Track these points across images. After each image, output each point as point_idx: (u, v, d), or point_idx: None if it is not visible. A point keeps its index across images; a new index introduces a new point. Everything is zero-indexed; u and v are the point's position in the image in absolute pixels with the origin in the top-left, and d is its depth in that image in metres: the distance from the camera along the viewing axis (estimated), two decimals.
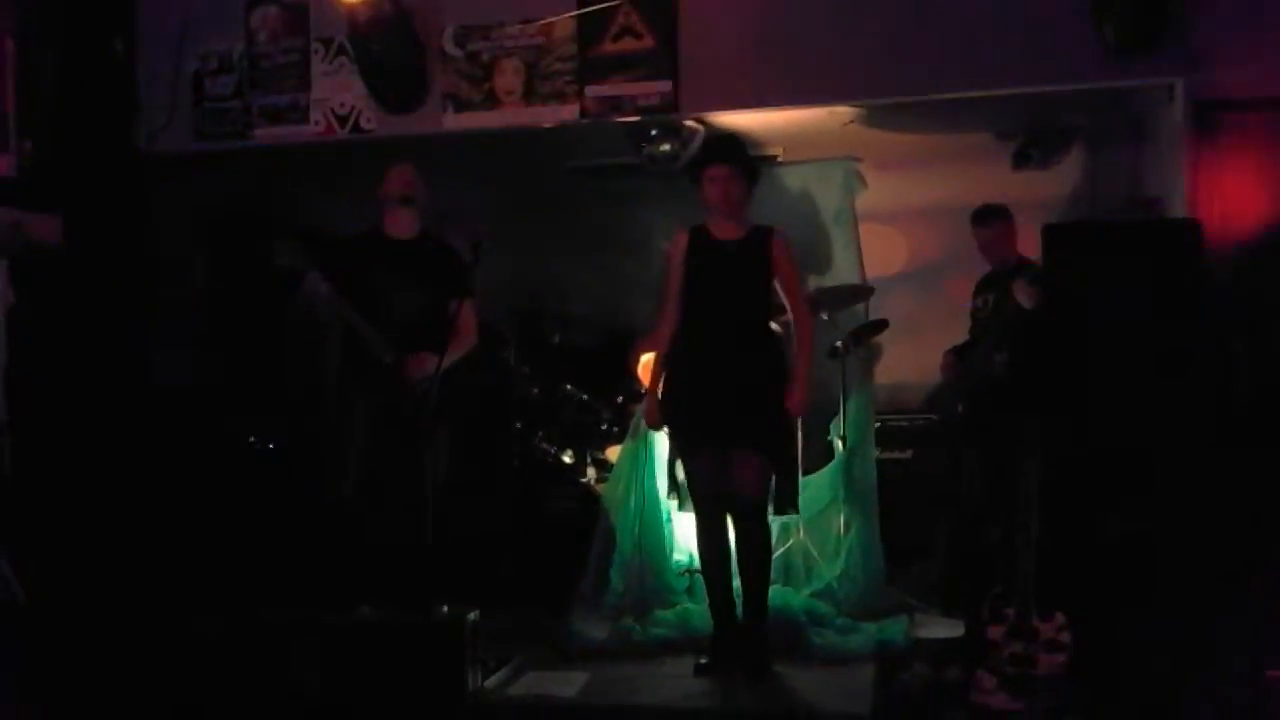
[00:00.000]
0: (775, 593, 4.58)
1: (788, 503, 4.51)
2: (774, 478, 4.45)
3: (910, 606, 5.02)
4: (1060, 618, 3.77)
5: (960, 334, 5.43)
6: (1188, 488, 3.91)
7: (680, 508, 4.92)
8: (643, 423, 4.85)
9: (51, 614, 4.15)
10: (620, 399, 5.70)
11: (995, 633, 3.83)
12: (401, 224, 4.62)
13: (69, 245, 4.89)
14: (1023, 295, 4.71)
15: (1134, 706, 3.76)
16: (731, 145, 4.48)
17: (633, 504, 4.99)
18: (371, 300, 4.54)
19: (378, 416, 4.56)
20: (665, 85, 5.00)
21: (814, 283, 5.62)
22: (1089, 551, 4.02)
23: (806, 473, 5.18)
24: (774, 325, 4.44)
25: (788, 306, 4.36)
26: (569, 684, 4.17)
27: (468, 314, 4.52)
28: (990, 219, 5.19)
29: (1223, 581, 3.85)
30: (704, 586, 4.51)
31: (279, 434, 5.70)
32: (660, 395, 4.39)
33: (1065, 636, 3.75)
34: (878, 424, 5.47)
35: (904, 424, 6.01)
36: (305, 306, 4.54)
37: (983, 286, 5.30)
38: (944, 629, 4.72)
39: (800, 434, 4.94)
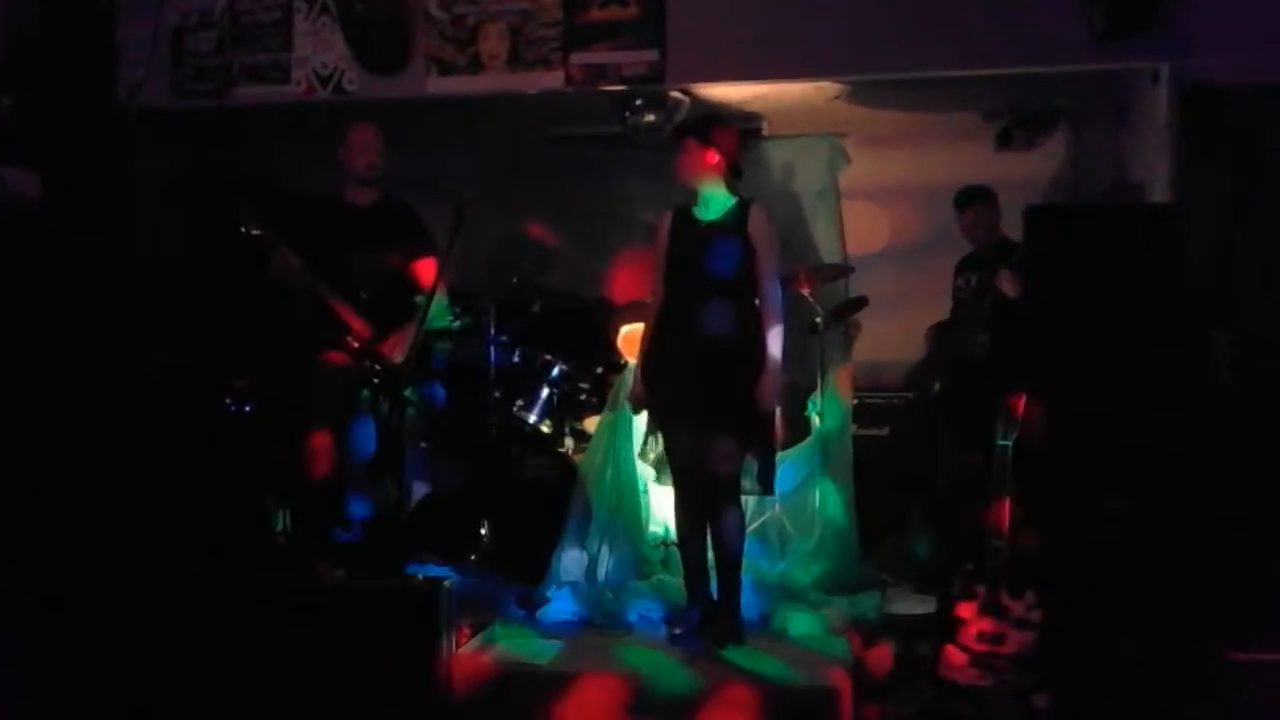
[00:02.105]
0: (749, 566, 4.60)
1: (763, 485, 4.51)
2: (749, 459, 4.45)
3: (883, 582, 5.05)
4: (1031, 596, 3.80)
5: (940, 312, 5.45)
6: (1163, 470, 3.95)
7: (658, 481, 4.94)
8: (621, 394, 4.87)
9: (25, 572, 4.12)
10: (600, 370, 5.69)
11: (966, 610, 3.86)
12: (363, 194, 4.63)
13: (46, 201, 4.83)
14: (1007, 285, 4.73)
15: (1102, 686, 3.80)
16: (700, 121, 4.46)
17: (610, 475, 4.99)
18: (336, 268, 4.54)
19: (349, 384, 4.56)
20: (652, 55, 4.96)
21: (794, 258, 5.61)
22: (1061, 531, 4.05)
23: (783, 448, 5.20)
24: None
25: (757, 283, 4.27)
26: (542, 652, 4.19)
27: (434, 274, 4.49)
28: (972, 201, 5.20)
29: (1194, 563, 3.89)
30: (679, 558, 4.54)
31: (255, 397, 5.67)
32: (641, 366, 4.40)
33: (1035, 615, 3.79)
34: (855, 401, 5.49)
35: (881, 401, 6.04)
36: (277, 278, 4.52)
37: (964, 266, 5.32)
38: (916, 605, 4.76)
39: (779, 413, 4.94)
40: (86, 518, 4.67)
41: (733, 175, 4.38)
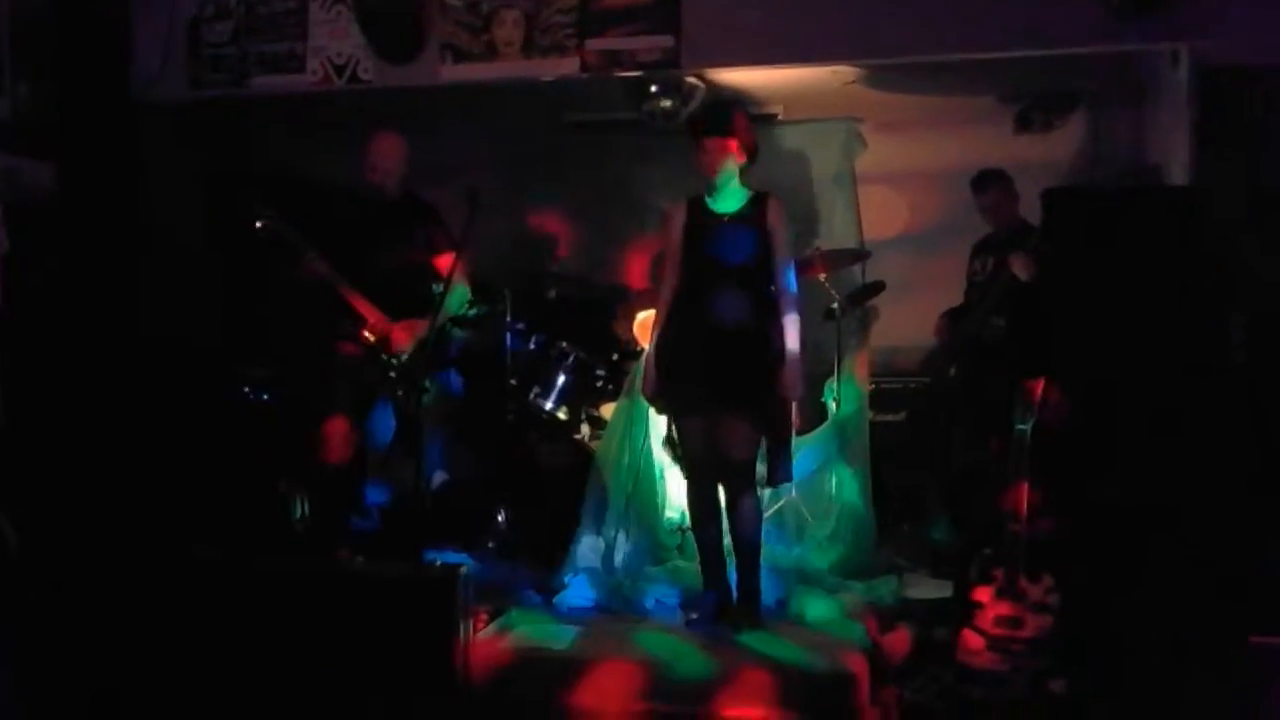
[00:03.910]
0: (766, 551, 4.60)
1: (779, 476, 4.50)
2: (766, 449, 4.44)
3: (900, 567, 5.05)
4: (1048, 580, 3.79)
5: (957, 297, 5.43)
6: (1179, 454, 3.92)
7: (674, 462, 4.94)
8: (638, 380, 4.87)
9: (43, 559, 4.16)
10: (616, 356, 5.70)
11: (983, 594, 3.85)
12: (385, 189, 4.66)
13: (63, 192, 4.86)
14: (1020, 268, 4.70)
15: (1120, 669, 3.79)
16: (721, 116, 4.41)
17: (626, 461, 4.99)
18: (356, 261, 4.56)
19: (366, 375, 4.58)
20: (667, 40, 4.95)
21: (811, 244, 5.60)
22: (1078, 515, 4.03)
23: (800, 434, 5.20)
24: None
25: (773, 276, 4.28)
26: (559, 638, 4.20)
27: (457, 267, 4.51)
28: (988, 185, 5.18)
29: (1211, 546, 3.87)
30: (694, 544, 4.54)
31: (273, 385, 5.70)
32: (654, 357, 4.40)
33: (1052, 599, 3.78)
34: (872, 386, 5.47)
35: (898, 386, 6.02)
36: (303, 277, 4.55)
37: (980, 249, 5.30)
38: (932, 590, 4.75)
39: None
40: (102, 505, 4.71)
41: (750, 163, 4.36)
